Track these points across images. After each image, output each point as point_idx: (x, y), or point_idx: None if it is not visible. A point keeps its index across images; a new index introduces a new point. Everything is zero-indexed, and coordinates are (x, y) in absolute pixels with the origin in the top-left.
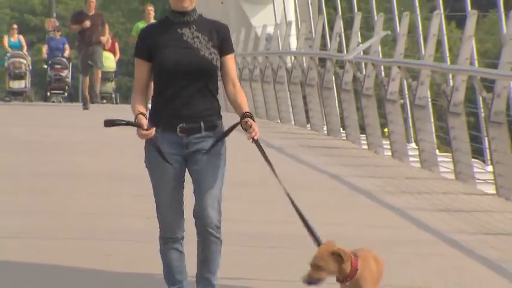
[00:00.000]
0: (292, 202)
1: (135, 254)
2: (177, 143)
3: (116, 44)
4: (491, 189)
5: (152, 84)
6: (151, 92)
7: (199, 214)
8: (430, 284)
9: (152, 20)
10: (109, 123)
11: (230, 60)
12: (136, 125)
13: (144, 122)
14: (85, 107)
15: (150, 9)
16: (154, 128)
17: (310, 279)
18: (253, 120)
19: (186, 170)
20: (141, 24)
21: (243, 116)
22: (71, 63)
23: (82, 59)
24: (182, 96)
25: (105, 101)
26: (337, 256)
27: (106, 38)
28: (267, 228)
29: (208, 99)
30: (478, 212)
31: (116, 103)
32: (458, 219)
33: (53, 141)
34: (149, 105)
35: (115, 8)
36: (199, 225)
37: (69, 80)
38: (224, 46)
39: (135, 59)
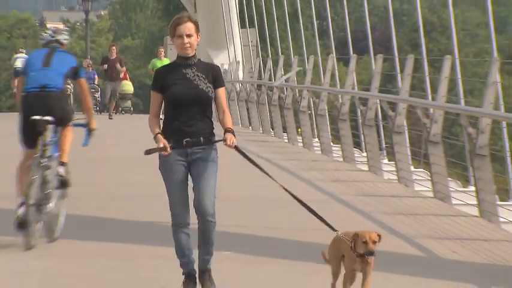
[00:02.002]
0: (295, 197)
1: None
2: (183, 153)
3: (127, 75)
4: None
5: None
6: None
7: (198, 205)
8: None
9: (162, 57)
10: (147, 152)
11: (221, 92)
12: (163, 149)
13: (164, 141)
14: (110, 117)
15: (161, 50)
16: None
17: (372, 251)
18: (233, 134)
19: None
20: (155, 61)
21: (225, 131)
22: (99, 88)
23: (109, 90)
24: (186, 118)
25: (123, 112)
26: (379, 237)
27: (122, 73)
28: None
29: (205, 121)
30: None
31: (131, 114)
32: (344, 185)
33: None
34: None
35: (128, 52)
36: (199, 213)
37: (99, 99)
38: (216, 82)
39: (151, 91)
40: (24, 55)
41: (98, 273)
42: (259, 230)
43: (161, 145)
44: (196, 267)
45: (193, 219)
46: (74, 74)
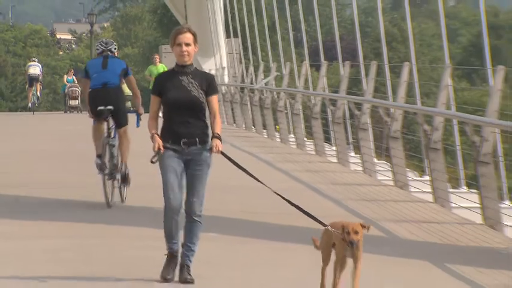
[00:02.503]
0: (284, 198)
1: None
2: (180, 153)
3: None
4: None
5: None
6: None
7: (188, 205)
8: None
9: (158, 63)
10: (152, 161)
11: (213, 99)
12: (159, 151)
13: (158, 141)
14: None
15: (157, 56)
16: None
17: (353, 241)
18: (220, 139)
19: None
20: (151, 67)
21: (212, 136)
22: None
23: None
24: (181, 121)
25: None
26: (363, 227)
27: None
28: None
29: (199, 124)
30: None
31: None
32: (316, 175)
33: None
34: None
35: (128, 60)
36: (187, 212)
37: None
38: (209, 90)
39: (151, 95)
40: (36, 63)
41: (89, 251)
42: (241, 214)
43: (156, 145)
44: (179, 248)
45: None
46: (125, 74)
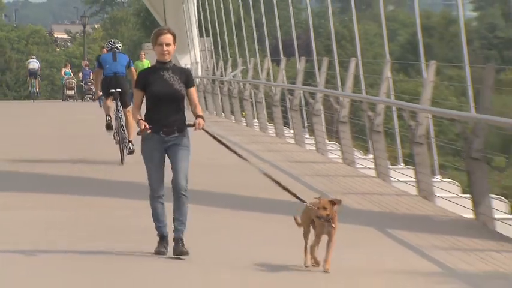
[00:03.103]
0: (270, 177)
1: None
2: (160, 140)
3: None
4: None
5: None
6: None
7: (175, 183)
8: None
9: (144, 59)
10: (138, 134)
11: (193, 90)
12: (146, 129)
13: (144, 124)
14: (101, 105)
15: (142, 53)
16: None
17: (320, 216)
18: (202, 119)
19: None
20: (137, 62)
21: (196, 117)
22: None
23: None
24: (162, 112)
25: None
26: (332, 203)
27: None
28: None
29: (179, 114)
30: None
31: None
32: (277, 154)
33: (82, 118)
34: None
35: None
36: (174, 189)
37: (93, 89)
38: (188, 83)
39: (135, 89)
40: (34, 59)
41: (79, 220)
42: (218, 187)
43: (142, 126)
44: (167, 230)
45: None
46: (128, 65)
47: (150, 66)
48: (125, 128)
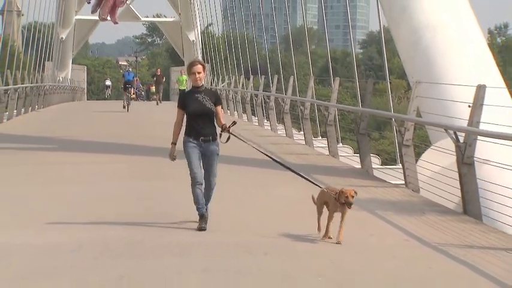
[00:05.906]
0: (284, 165)
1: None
2: (198, 144)
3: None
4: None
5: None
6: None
7: (207, 183)
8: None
9: (183, 74)
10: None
11: (219, 107)
12: (172, 155)
13: (172, 152)
14: (158, 104)
15: (182, 70)
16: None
17: (351, 203)
18: (226, 124)
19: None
20: (178, 76)
21: (223, 126)
22: (144, 89)
23: (156, 89)
24: (199, 125)
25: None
26: (356, 193)
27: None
28: None
29: (211, 126)
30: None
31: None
32: (259, 140)
33: (135, 111)
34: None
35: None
36: (207, 184)
37: (144, 93)
38: (217, 102)
39: (177, 108)
40: (109, 81)
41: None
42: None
43: (171, 156)
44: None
45: (193, 217)
46: (133, 78)
47: (186, 87)
48: (129, 102)
